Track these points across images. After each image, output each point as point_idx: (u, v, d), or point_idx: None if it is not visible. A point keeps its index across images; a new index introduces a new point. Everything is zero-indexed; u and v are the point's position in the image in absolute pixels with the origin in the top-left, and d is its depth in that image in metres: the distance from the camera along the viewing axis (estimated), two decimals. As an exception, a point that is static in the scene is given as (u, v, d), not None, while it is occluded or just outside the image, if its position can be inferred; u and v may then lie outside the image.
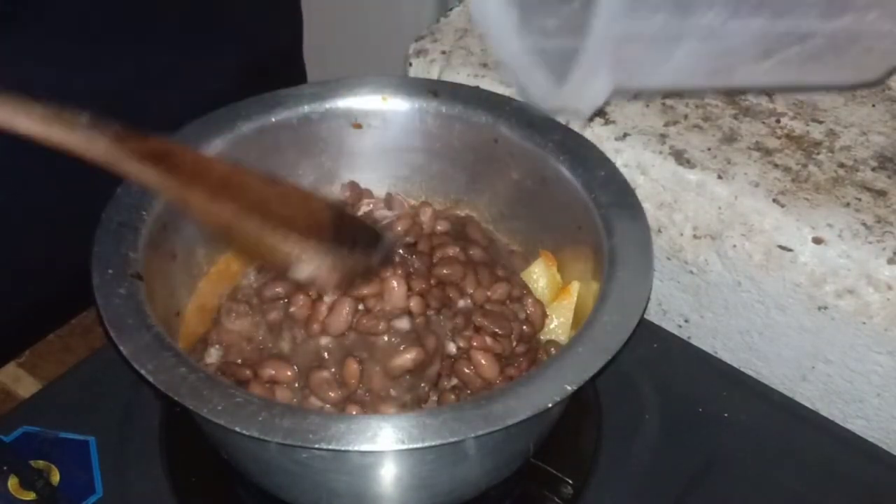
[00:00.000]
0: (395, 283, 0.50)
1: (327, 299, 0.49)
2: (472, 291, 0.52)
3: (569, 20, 0.42)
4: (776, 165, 0.58)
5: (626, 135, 0.60)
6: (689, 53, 0.42)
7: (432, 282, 0.52)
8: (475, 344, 0.50)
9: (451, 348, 0.50)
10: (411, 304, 0.50)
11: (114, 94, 0.58)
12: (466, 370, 0.49)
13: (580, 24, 0.40)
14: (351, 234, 0.50)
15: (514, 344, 0.52)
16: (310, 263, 0.44)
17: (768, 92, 0.62)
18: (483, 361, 0.49)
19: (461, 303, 0.52)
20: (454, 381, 0.51)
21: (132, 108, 0.51)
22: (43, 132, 0.41)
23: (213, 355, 0.52)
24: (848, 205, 0.55)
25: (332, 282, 0.45)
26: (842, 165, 0.58)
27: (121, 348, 0.43)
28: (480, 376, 0.49)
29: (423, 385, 0.49)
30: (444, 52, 0.67)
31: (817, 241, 0.54)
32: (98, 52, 0.62)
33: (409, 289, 0.50)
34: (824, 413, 0.59)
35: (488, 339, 0.50)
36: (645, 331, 0.59)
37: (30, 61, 0.57)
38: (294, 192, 0.51)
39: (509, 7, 0.43)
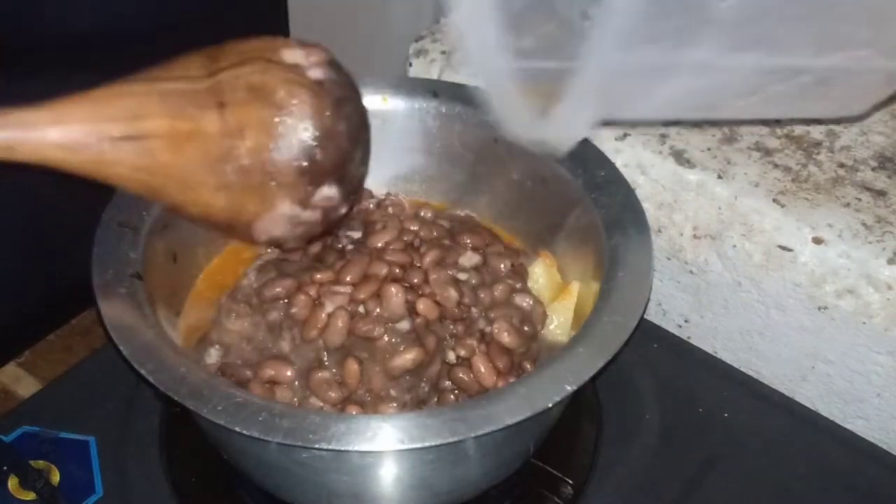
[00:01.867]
0: (393, 290, 0.50)
1: (328, 306, 0.49)
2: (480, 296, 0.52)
3: (546, 41, 0.41)
4: (776, 165, 0.58)
5: (626, 135, 0.60)
6: (677, 89, 0.41)
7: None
8: (482, 351, 0.50)
9: (451, 357, 0.50)
10: (420, 307, 0.50)
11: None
12: (464, 377, 0.49)
13: (556, 45, 0.39)
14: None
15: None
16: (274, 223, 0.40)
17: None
18: (483, 370, 0.49)
19: (474, 311, 0.52)
20: (454, 382, 0.51)
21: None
22: None
23: (213, 355, 0.51)
24: (848, 205, 0.55)
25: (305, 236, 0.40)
26: (842, 165, 0.58)
27: (121, 348, 0.43)
28: (479, 383, 0.49)
29: (423, 385, 0.49)
30: (443, 52, 0.67)
31: (817, 241, 0.54)
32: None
33: (408, 297, 0.50)
34: (824, 413, 0.59)
35: (499, 361, 0.49)
36: (645, 331, 0.59)
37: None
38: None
39: (489, 26, 0.40)
